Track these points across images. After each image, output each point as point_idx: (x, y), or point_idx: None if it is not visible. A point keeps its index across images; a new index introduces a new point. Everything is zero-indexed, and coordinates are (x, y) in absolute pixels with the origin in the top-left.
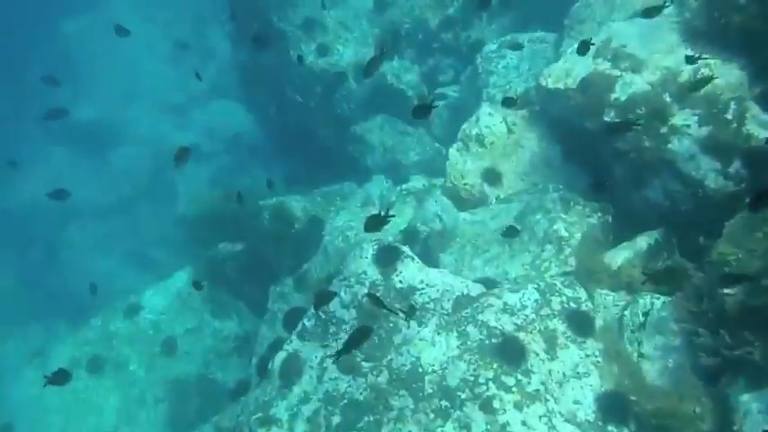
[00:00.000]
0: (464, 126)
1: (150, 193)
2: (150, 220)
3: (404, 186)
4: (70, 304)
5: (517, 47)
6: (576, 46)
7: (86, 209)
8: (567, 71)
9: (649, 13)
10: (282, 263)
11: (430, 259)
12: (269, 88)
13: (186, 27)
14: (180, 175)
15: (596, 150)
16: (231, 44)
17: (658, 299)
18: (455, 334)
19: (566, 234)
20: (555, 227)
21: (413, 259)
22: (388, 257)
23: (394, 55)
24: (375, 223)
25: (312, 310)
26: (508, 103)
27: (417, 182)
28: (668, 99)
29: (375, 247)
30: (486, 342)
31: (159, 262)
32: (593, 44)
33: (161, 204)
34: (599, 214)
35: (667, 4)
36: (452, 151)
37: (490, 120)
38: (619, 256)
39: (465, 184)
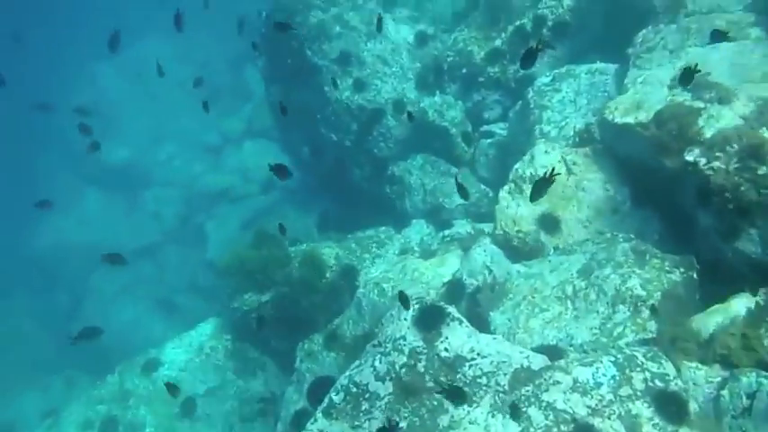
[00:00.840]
0: (516, 166)
1: (179, 236)
2: (179, 265)
3: (447, 232)
4: (92, 354)
5: (574, 79)
6: (645, 75)
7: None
8: (638, 103)
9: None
10: (312, 316)
11: (479, 319)
12: (303, 127)
13: (222, 67)
14: (211, 219)
15: (675, 194)
16: (264, 82)
17: (767, 378)
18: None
19: (642, 293)
20: (629, 284)
21: (461, 323)
22: (431, 320)
23: (435, 90)
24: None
25: (342, 381)
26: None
27: (462, 228)
28: (767, 135)
29: (416, 306)
30: (554, 429)
31: (186, 309)
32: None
33: (190, 248)
34: (681, 269)
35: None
36: (503, 194)
37: (547, 158)
38: (710, 322)
39: (518, 232)
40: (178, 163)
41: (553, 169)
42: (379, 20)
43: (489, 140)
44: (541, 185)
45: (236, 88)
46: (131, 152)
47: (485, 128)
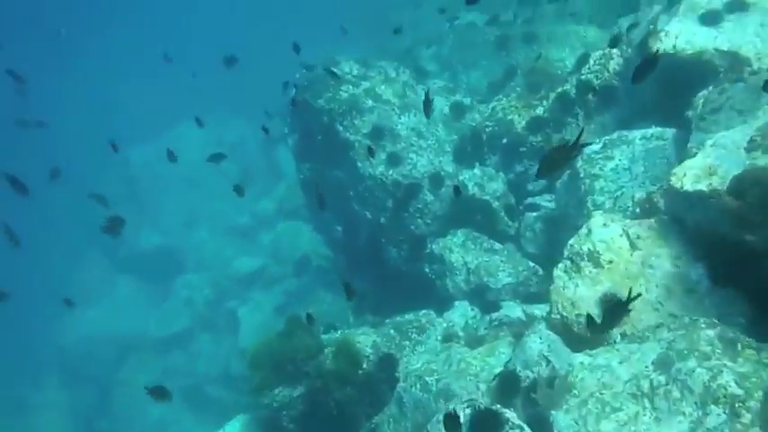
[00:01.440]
0: (572, 241)
1: (211, 323)
2: (211, 354)
3: (494, 316)
4: None
5: (627, 146)
6: (714, 138)
7: (144, 343)
8: (711, 168)
9: None
10: (348, 412)
11: (538, 419)
12: (335, 205)
13: (254, 148)
14: (243, 304)
15: (763, 270)
16: (294, 159)
17: None
18: None
19: (739, 391)
20: (720, 380)
21: (522, 430)
22: (485, 428)
23: (474, 162)
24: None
25: None
26: None
27: (511, 310)
28: None
29: (467, 410)
30: None
31: (218, 401)
32: None
33: (222, 335)
34: None
35: None
36: (558, 273)
37: (606, 232)
38: None
39: (578, 316)
40: (210, 246)
41: (630, 295)
42: (428, 99)
43: (535, 214)
44: (616, 311)
45: (268, 169)
46: (164, 238)
47: (529, 200)
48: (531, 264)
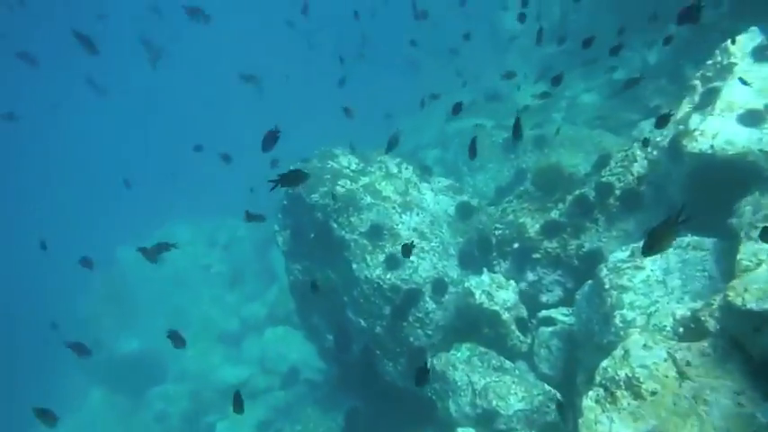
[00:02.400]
0: (605, 364)
1: None
2: None
3: None
4: None
5: (660, 255)
6: None
7: None
8: None
9: None
10: None
11: None
12: (327, 311)
13: (247, 249)
14: (224, 419)
15: None
16: (285, 258)
17: None
18: None
19: None
20: None
21: None
22: None
23: (482, 268)
24: None
25: None
26: None
27: None
28: None
29: None
30: None
31: None
32: None
33: None
34: None
35: None
36: (589, 403)
37: (648, 356)
38: None
39: None
40: (194, 353)
41: None
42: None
43: (550, 329)
44: None
45: (262, 271)
46: (144, 343)
47: (543, 313)
48: (548, 387)
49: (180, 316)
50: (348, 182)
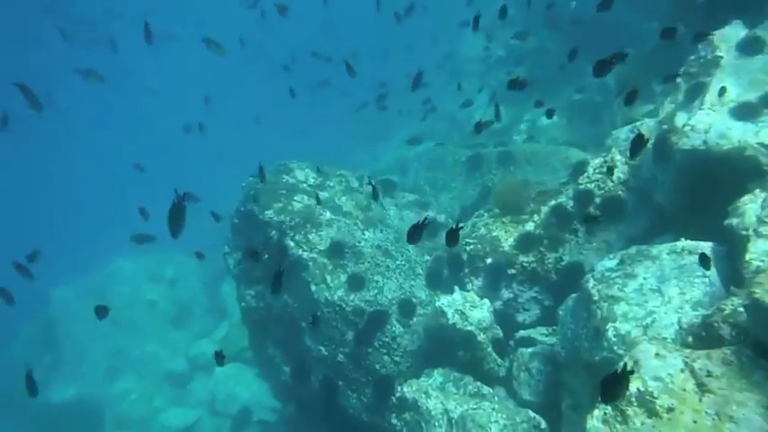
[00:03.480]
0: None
1: None
2: None
3: None
4: None
5: (652, 262)
6: None
7: None
8: None
9: None
10: None
11: None
12: (283, 340)
13: (195, 284)
14: None
15: None
16: (236, 283)
17: None
18: None
19: None
20: None
21: None
22: None
23: (453, 286)
24: None
25: None
26: None
27: None
28: None
29: None
30: None
31: None
32: None
33: None
34: None
35: None
36: (596, 424)
37: (661, 367)
38: None
39: None
40: (135, 397)
41: None
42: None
43: (530, 350)
44: None
45: (210, 307)
46: (81, 388)
47: (522, 333)
48: (531, 413)
49: (121, 357)
50: (305, 197)
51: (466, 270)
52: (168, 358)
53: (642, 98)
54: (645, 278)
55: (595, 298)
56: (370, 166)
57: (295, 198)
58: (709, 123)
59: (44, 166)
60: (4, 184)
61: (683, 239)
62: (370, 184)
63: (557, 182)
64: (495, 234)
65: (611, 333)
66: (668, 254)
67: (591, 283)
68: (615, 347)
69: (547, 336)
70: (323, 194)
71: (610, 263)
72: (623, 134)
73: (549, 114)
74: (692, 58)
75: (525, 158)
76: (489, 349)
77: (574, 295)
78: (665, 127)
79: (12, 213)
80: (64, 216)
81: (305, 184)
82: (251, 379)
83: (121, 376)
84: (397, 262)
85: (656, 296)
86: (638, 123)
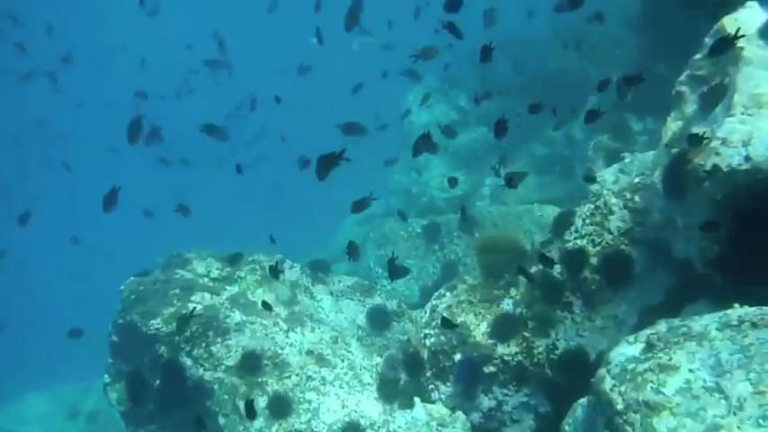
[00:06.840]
0: None
1: None
2: None
3: None
4: None
5: (698, 343)
6: None
7: None
8: None
9: None
10: None
11: None
12: None
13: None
14: None
15: None
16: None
17: None
18: None
19: None
20: None
21: None
22: None
23: (412, 399)
24: None
25: None
26: None
27: None
28: None
29: None
30: None
31: None
32: None
33: None
34: None
35: None
36: None
37: None
38: None
39: None
40: None
41: None
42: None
43: None
44: None
45: None
46: None
47: None
48: None
49: None
50: (206, 295)
51: (428, 373)
52: None
53: (622, 140)
54: (691, 370)
55: (619, 407)
56: (320, 254)
57: (192, 299)
58: (749, 132)
59: None
60: None
61: (736, 306)
62: (273, 264)
63: (529, 245)
64: (462, 320)
65: None
66: (719, 329)
67: (608, 383)
68: None
69: None
70: (231, 289)
71: (631, 349)
72: (610, 175)
73: (511, 182)
74: (698, 56)
75: (492, 222)
76: None
77: (582, 401)
78: (674, 151)
79: None
80: None
81: (206, 278)
82: None
83: None
84: (336, 370)
85: (716, 398)
86: (626, 160)
